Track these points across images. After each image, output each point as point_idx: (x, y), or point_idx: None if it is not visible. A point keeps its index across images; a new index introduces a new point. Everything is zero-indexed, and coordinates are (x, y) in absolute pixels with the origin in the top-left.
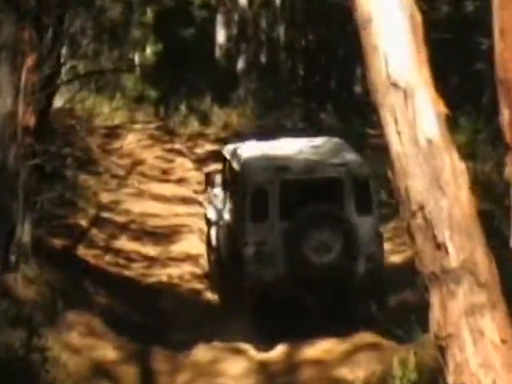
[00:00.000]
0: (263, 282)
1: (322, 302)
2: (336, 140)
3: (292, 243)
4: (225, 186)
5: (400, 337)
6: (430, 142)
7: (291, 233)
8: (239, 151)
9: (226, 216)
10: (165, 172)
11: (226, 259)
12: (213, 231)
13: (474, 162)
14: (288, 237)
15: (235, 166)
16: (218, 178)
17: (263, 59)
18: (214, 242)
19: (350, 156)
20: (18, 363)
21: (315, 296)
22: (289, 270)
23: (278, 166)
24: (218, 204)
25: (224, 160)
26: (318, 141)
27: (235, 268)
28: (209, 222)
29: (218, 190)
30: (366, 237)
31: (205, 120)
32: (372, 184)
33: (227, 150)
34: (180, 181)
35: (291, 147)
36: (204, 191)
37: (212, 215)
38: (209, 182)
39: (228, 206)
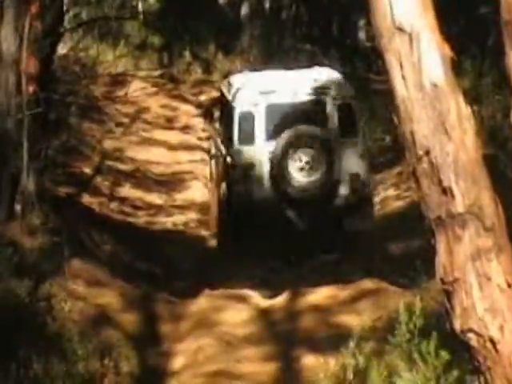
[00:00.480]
0: (250, 201)
1: (308, 220)
2: (325, 68)
3: (278, 164)
4: (221, 117)
5: (405, 283)
6: (435, 85)
7: (277, 154)
8: (231, 81)
9: (222, 146)
10: (169, 119)
11: (220, 188)
12: (213, 163)
13: (479, 106)
14: (274, 158)
15: (227, 94)
16: (217, 112)
17: (267, 5)
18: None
19: (335, 80)
20: (24, 311)
21: (301, 215)
22: (275, 189)
23: (263, 91)
24: (216, 137)
25: (220, 93)
26: (307, 70)
27: (227, 192)
28: (210, 156)
29: (217, 124)
30: (350, 157)
31: (209, 67)
32: (356, 107)
33: (223, 82)
34: (185, 128)
35: (280, 75)
36: (204, 125)
37: (212, 148)
38: (207, 116)
39: (222, 135)
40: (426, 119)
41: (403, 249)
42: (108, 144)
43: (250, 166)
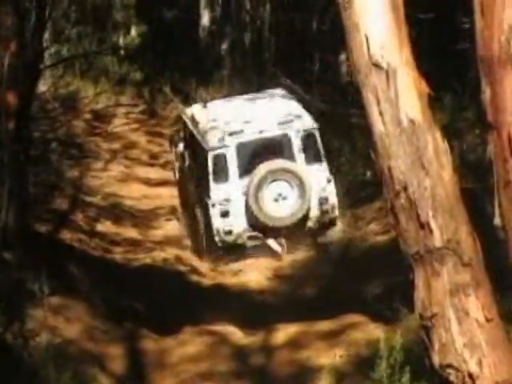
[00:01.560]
0: (231, 235)
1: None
2: (285, 96)
3: (252, 199)
4: (185, 144)
5: (386, 317)
6: (412, 121)
7: (251, 189)
8: (197, 118)
9: (188, 171)
10: (150, 155)
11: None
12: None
13: (459, 141)
14: (248, 193)
15: (194, 132)
16: (179, 136)
17: (247, 40)
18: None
19: (297, 112)
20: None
21: (279, 242)
22: (252, 221)
23: (231, 132)
24: (180, 161)
25: (184, 124)
26: (268, 98)
27: (205, 225)
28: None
29: (180, 147)
30: (317, 183)
31: (189, 101)
32: (318, 135)
33: (186, 113)
34: (166, 164)
35: (244, 110)
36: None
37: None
38: (172, 142)
39: (188, 162)
40: (403, 155)
41: (383, 283)
42: (88, 180)
43: (226, 203)
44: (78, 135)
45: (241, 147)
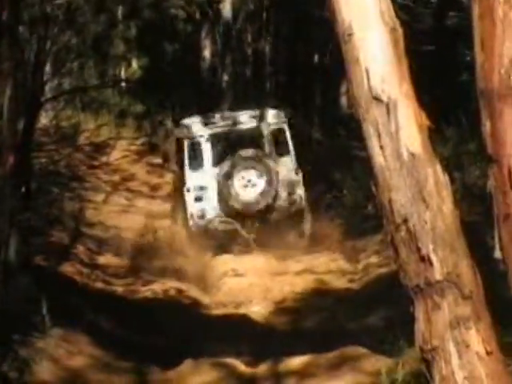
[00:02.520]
0: (204, 219)
1: (252, 230)
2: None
3: (224, 185)
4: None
5: (387, 350)
6: (412, 155)
7: (223, 176)
8: (183, 123)
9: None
10: (151, 188)
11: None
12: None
13: (460, 173)
14: (220, 180)
15: (180, 135)
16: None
17: (248, 73)
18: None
19: (269, 110)
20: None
21: (246, 226)
22: (224, 206)
23: (206, 123)
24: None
25: (176, 139)
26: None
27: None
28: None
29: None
30: (285, 174)
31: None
32: (287, 129)
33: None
34: (167, 196)
35: (225, 114)
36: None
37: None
38: (166, 158)
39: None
40: (403, 188)
41: (384, 316)
42: (89, 213)
43: (200, 189)
44: (79, 168)
45: (214, 137)
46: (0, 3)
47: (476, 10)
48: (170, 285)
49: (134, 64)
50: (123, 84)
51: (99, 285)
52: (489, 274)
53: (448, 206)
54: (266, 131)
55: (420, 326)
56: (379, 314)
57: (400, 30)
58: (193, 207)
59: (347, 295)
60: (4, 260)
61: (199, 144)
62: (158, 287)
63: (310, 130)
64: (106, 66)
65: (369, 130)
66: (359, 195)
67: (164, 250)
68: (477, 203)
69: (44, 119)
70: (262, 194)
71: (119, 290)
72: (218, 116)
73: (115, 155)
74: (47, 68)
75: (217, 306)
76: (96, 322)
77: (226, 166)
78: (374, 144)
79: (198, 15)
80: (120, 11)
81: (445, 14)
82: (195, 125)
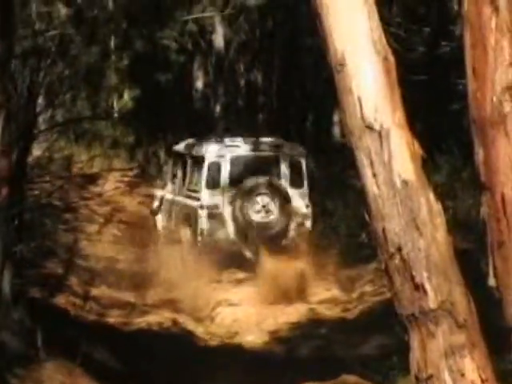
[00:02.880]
0: (214, 238)
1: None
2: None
3: (239, 206)
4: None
5: (382, 378)
6: (405, 183)
7: (238, 198)
8: (198, 147)
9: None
10: (144, 218)
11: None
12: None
13: (453, 201)
14: (236, 201)
15: (195, 153)
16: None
17: (241, 102)
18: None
19: (288, 142)
20: None
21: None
22: (236, 228)
23: (228, 145)
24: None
25: (181, 156)
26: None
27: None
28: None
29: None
30: (297, 204)
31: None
32: (303, 163)
33: (180, 148)
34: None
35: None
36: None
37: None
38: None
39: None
40: (397, 216)
41: (379, 344)
42: (83, 244)
43: (214, 207)
44: (72, 199)
45: (234, 160)
46: None
47: (468, 39)
48: (165, 316)
49: (126, 95)
50: (115, 115)
51: (93, 317)
52: (483, 301)
53: (441, 234)
54: (283, 161)
55: (415, 354)
56: (374, 343)
57: (392, 60)
58: (205, 224)
59: (341, 324)
60: None
61: (219, 164)
62: (153, 319)
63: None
64: (99, 97)
65: (362, 159)
66: (353, 224)
67: (159, 280)
68: (470, 231)
69: (37, 151)
70: (276, 220)
71: (114, 321)
72: (239, 139)
73: (108, 186)
74: (40, 100)
75: (211, 336)
76: (91, 353)
77: (243, 188)
78: (366, 172)
79: (190, 45)
80: (112, 42)
81: (437, 43)
82: (216, 145)
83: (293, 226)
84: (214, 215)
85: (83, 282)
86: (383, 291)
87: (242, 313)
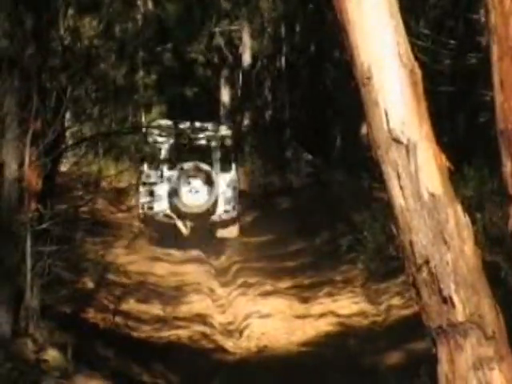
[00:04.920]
0: (151, 210)
1: (190, 229)
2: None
3: (174, 187)
4: None
5: None
6: (433, 195)
7: (174, 180)
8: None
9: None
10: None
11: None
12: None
13: (481, 213)
14: (171, 182)
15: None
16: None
17: (268, 117)
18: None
19: (223, 132)
20: None
21: (186, 225)
22: (170, 204)
23: (170, 134)
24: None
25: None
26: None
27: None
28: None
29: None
30: (225, 187)
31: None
32: (234, 151)
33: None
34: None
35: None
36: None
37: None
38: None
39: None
40: (424, 229)
41: (408, 357)
42: (112, 258)
43: (153, 185)
44: (102, 213)
45: (173, 146)
46: (23, 52)
47: (495, 51)
48: (194, 329)
49: (154, 110)
50: (143, 130)
51: (123, 331)
52: (511, 314)
53: (469, 247)
54: (215, 150)
55: (443, 367)
56: (402, 355)
57: (419, 72)
58: (145, 199)
59: (370, 337)
60: (27, 307)
61: (159, 149)
62: (183, 332)
63: (331, 172)
64: (127, 112)
65: (388, 172)
66: (380, 237)
67: (189, 294)
68: (498, 243)
69: (65, 165)
70: (203, 200)
71: (144, 335)
72: (182, 124)
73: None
74: (67, 115)
75: (241, 349)
76: (120, 367)
77: (177, 171)
78: (393, 185)
79: (216, 59)
80: (140, 57)
81: (464, 54)
82: (162, 136)
83: (220, 205)
84: (153, 193)
85: (113, 297)
86: (411, 304)
87: (271, 325)
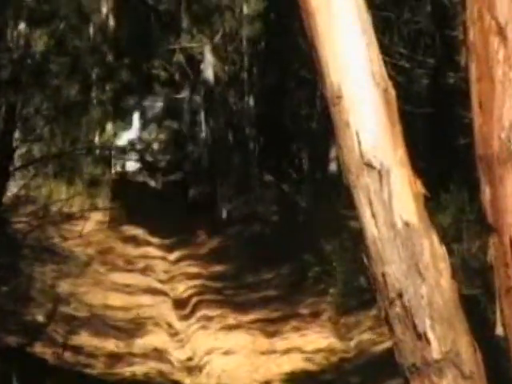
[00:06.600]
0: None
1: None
2: None
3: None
4: None
5: None
6: (407, 224)
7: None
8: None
9: None
10: (128, 261)
11: None
12: None
13: (459, 244)
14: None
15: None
16: None
17: (230, 136)
18: None
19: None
20: None
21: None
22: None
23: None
24: None
25: None
26: None
27: None
28: None
29: None
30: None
31: None
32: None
33: None
34: (145, 270)
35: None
36: None
37: None
38: None
39: None
40: (398, 260)
41: None
42: (62, 288)
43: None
44: (51, 240)
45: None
46: None
47: (474, 71)
48: (151, 366)
49: (109, 129)
50: (97, 151)
51: (74, 366)
52: (490, 351)
53: (446, 280)
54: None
55: None
56: None
57: (393, 92)
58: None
59: (339, 375)
60: None
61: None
62: (139, 369)
63: (296, 198)
64: (79, 131)
65: (360, 198)
66: (350, 268)
67: (147, 328)
68: (477, 276)
69: (13, 188)
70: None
71: (96, 372)
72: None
73: (89, 226)
74: (16, 134)
75: None
76: None
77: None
78: (365, 213)
79: (178, 76)
80: (95, 73)
81: (442, 74)
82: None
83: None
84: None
85: (64, 330)
86: (383, 340)
87: (233, 362)
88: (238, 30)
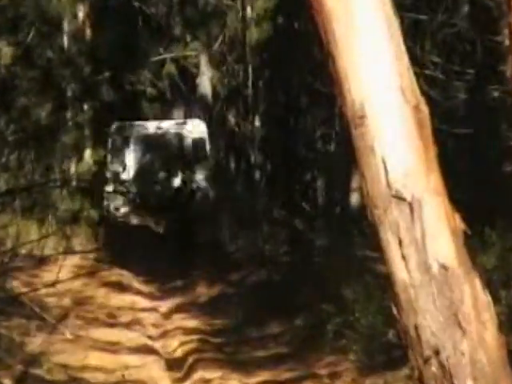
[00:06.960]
0: (118, 212)
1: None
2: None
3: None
4: None
5: None
6: (444, 267)
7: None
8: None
9: None
10: (110, 313)
11: None
12: None
13: (507, 290)
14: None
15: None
16: None
17: (232, 163)
18: None
19: (194, 123)
20: None
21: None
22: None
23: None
24: None
25: None
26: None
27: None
28: None
29: None
30: (201, 178)
31: None
32: (208, 144)
33: None
34: (130, 324)
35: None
36: None
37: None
38: None
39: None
40: (433, 310)
41: None
42: (33, 347)
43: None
44: (19, 290)
45: (138, 139)
46: None
47: None
48: None
49: (87, 157)
50: (74, 182)
51: None
52: None
53: (491, 333)
54: (188, 140)
55: None
56: None
57: (426, 109)
58: (110, 188)
59: None
60: None
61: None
62: None
63: (311, 236)
64: (52, 159)
65: (387, 237)
66: (376, 319)
67: None
68: None
69: None
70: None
71: None
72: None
73: (64, 273)
74: None
75: None
76: None
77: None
78: (394, 254)
79: (168, 94)
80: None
81: (483, 87)
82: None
83: (198, 197)
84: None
85: None
86: None
87: None
88: (242, 35)
